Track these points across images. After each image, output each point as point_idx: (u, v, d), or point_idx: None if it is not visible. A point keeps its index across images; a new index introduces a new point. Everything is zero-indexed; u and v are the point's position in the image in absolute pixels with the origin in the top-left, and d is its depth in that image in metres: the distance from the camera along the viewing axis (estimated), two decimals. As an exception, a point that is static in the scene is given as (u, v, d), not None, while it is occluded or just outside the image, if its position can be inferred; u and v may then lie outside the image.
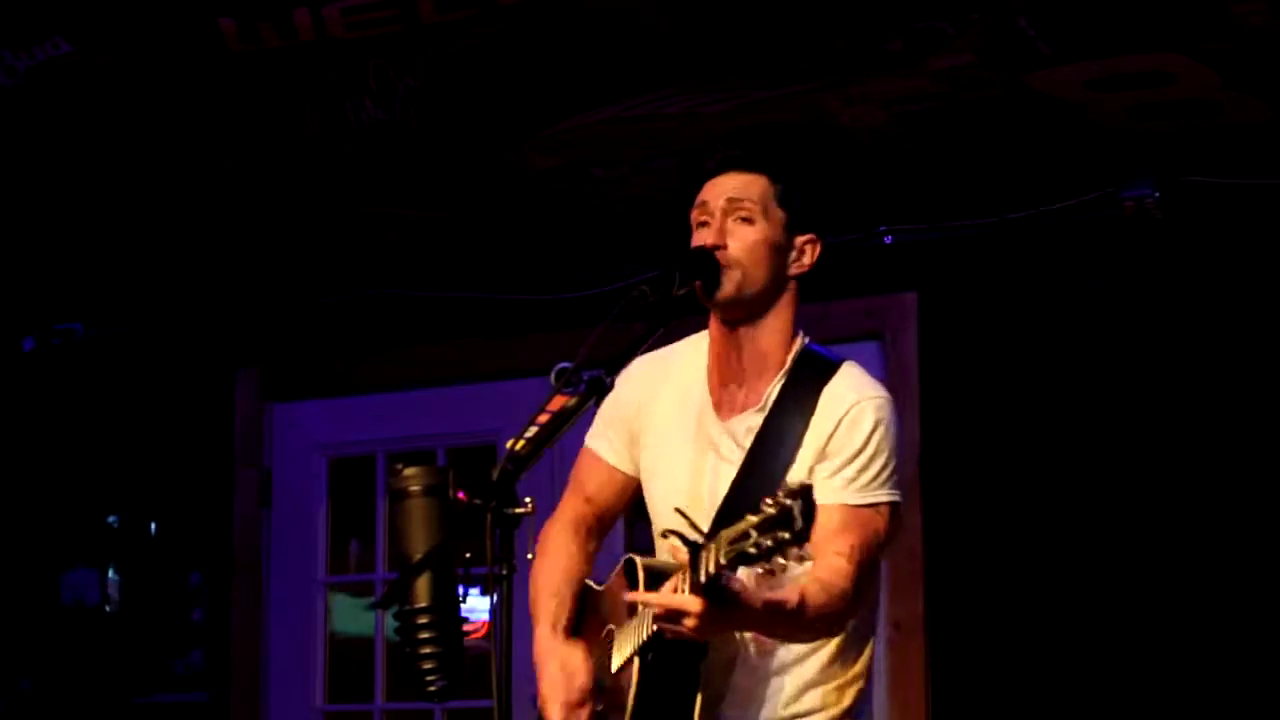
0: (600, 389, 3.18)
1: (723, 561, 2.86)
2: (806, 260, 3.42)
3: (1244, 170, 4.95)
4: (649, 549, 5.14)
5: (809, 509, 2.79)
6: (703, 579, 2.91)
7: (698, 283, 3.32)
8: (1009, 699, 5.08)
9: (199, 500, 6.33)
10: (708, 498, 3.35)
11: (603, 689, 3.40)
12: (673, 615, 2.99)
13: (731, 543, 2.85)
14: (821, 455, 3.28)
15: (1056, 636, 5.04)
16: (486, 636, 3.35)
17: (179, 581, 6.33)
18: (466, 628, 3.39)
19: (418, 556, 3.38)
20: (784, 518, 2.78)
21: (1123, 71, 4.57)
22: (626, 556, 3.40)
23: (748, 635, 3.29)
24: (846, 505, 3.24)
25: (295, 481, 6.25)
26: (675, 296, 3.31)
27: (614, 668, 3.33)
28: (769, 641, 3.30)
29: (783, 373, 3.37)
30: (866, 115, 4.86)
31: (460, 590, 3.35)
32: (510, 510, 3.11)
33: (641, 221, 5.54)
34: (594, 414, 3.43)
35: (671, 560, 3.25)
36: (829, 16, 4.44)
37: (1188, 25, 4.32)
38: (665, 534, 3.11)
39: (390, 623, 3.60)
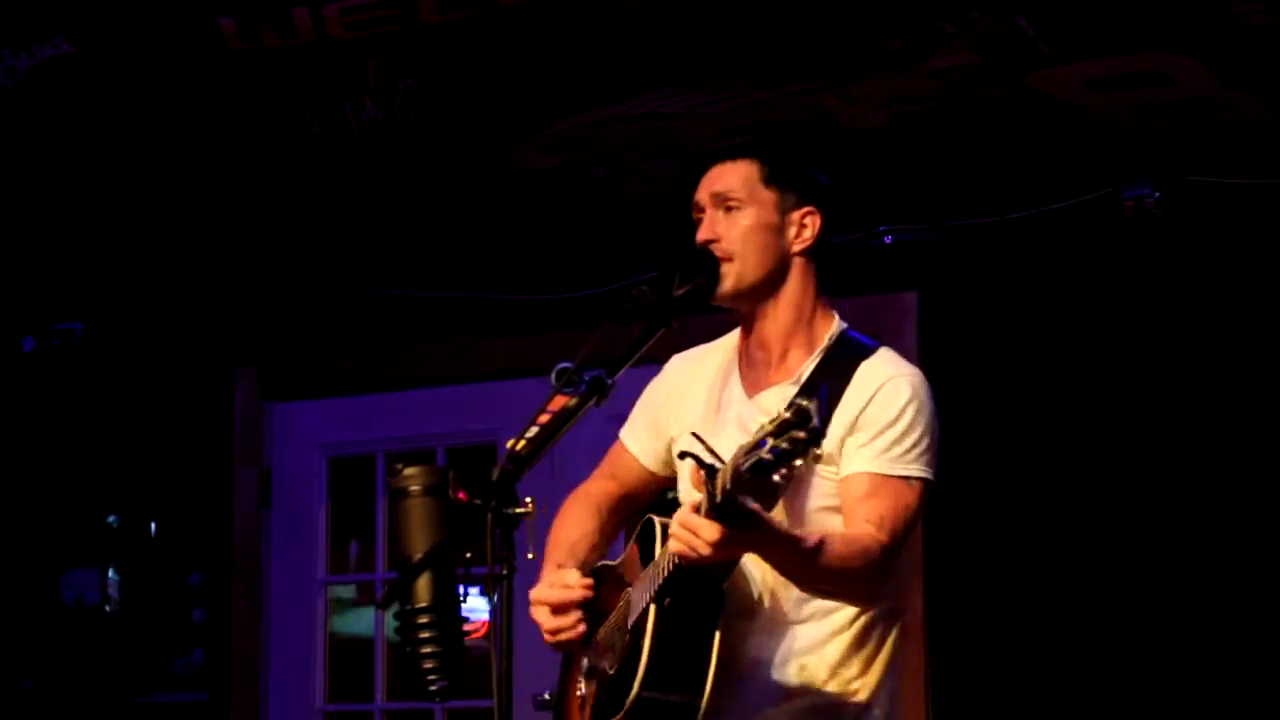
0: (601, 389, 3.18)
1: (743, 467, 2.78)
2: (809, 234, 3.37)
3: (1244, 170, 4.95)
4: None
5: (824, 410, 2.78)
6: (718, 498, 2.86)
7: (701, 281, 3.33)
8: (1009, 695, 5.08)
9: (199, 500, 6.33)
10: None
11: (600, 617, 3.38)
12: (691, 538, 2.94)
13: (748, 452, 2.78)
14: (853, 428, 3.23)
15: (1056, 633, 5.04)
16: (486, 636, 3.34)
17: (179, 581, 6.33)
18: (466, 628, 3.40)
19: (418, 556, 3.38)
20: (800, 416, 2.73)
21: (1123, 71, 4.57)
22: (645, 516, 3.37)
23: (766, 605, 3.24)
24: (877, 474, 3.20)
25: (295, 481, 6.25)
26: (675, 296, 3.32)
27: (630, 620, 3.27)
28: (790, 614, 3.25)
29: (819, 351, 3.35)
30: (866, 115, 4.86)
31: (460, 590, 3.35)
32: (510, 510, 3.11)
33: (641, 221, 5.54)
34: (592, 414, 3.43)
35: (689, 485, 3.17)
36: (829, 16, 4.44)
37: (1188, 25, 4.32)
38: (682, 455, 3.07)
39: (390, 623, 3.59)
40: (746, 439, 2.91)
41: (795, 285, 3.37)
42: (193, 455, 6.36)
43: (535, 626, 4.55)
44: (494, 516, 3.10)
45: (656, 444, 3.56)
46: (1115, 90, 4.67)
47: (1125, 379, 5.10)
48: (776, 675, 3.26)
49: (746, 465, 2.77)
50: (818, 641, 3.27)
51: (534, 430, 3.16)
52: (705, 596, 3.14)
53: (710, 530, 2.91)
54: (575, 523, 3.58)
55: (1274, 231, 4.96)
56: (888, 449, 3.22)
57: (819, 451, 2.75)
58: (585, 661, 3.46)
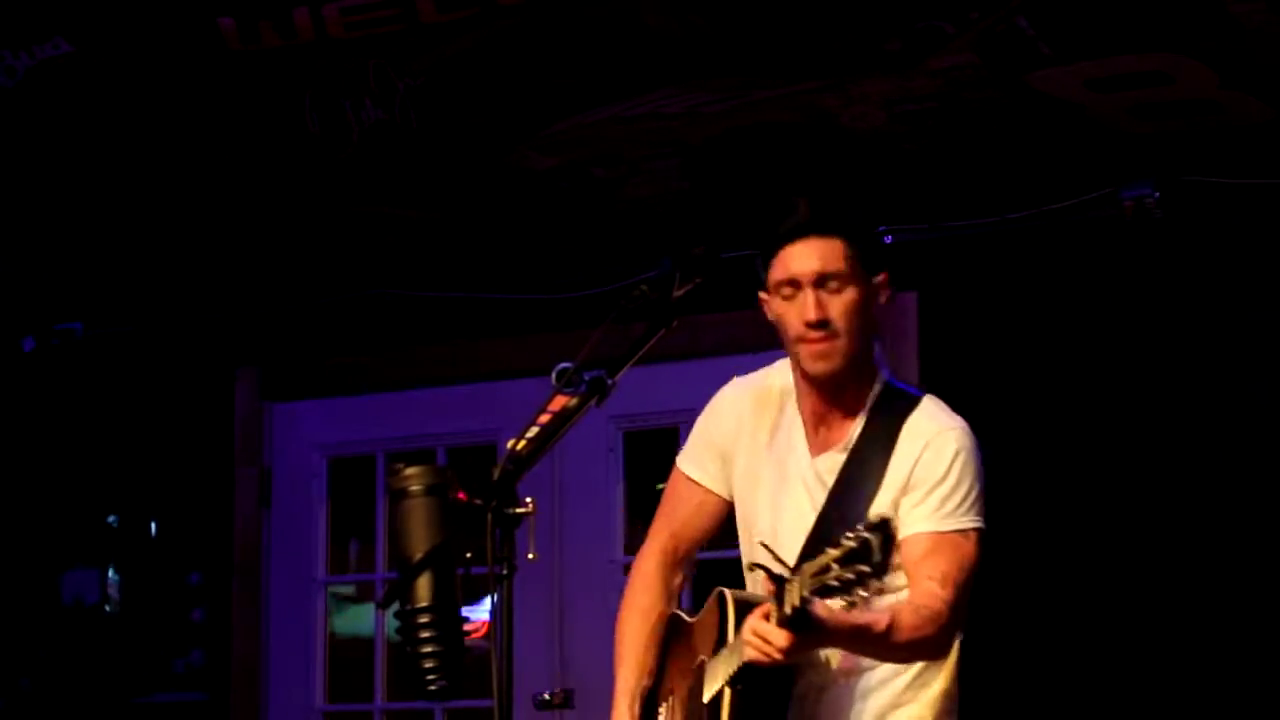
0: (601, 389, 3.18)
1: (805, 595, 2.93)
2: (884, 298, 3.44)
3: (1244, 170, 4.95)
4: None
5: (887, 543, 2.87)
6: (788, 611, 2.98)
7: (701, 280, 3.33)
8: (1008, 692, 5.08)
9: (199, 500, 6.33)
10: (791, 533, 3.37)
11: (671, 669, 3.53)
12: (763, 645, 3.05)
13: (814, 575, 2.92)
14: (905, 488, 3.32)
15: (1055, 631, 5.04)
16: (486, 636, 3.35)
17: (179, 581, 6.33)
18: (466, 627, 3.40)
19: (418, 556, 3.37)
20: (863, 551, 2.86)
21: (1123, 71, 4.57)
22: (717, 590, 3.42)
23: (834, 664, 3.34)
24: (935, 532, 3.28)
25: (295, 481, 6.25)
26: (675, 296, 3.32)
27: (706, 698, 3.35)
28: (854, 669, 3.34)
29: (864, 411, 3.41)
30: (866, 115, 4.86)
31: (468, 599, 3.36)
32: (510, 510, 3.12)
33: (641, 221, 5.54)
34: (592, 414, 3.43)
35: (760, 592, 3.30)
36: (829, 16, 4.44)
37: (1188, 25, 4.32)
38: (752, 567, 3.20)
39: (390, 622, 3.59)
40: (810, 500, 3.30)
41: (869, 357, 3.45)
42: (193, 455, 6.35)
43: (535, 626, 4.60)
44: (494, 516, 3.10)
45: (725, 470, 3.60)
46: (1115, 90, 4.67)
47: (1125, 378, 5.10)
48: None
49: (814, 588, 2.93)
50: (880, 682, 3.36)
51: (534, 430, 3.17)
52: (777, 677, 3.24)
53: (781, 638, 3.02)
54: (637, 613, 3.68)
55: (1274, 231, 4.96)
56: (941, 506, 3.31)
57: (880, 585, 2.90)
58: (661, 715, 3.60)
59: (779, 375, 3.55)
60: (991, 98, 4.71)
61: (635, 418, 5.73)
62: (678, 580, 3.69)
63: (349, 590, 6.78)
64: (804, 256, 3.33)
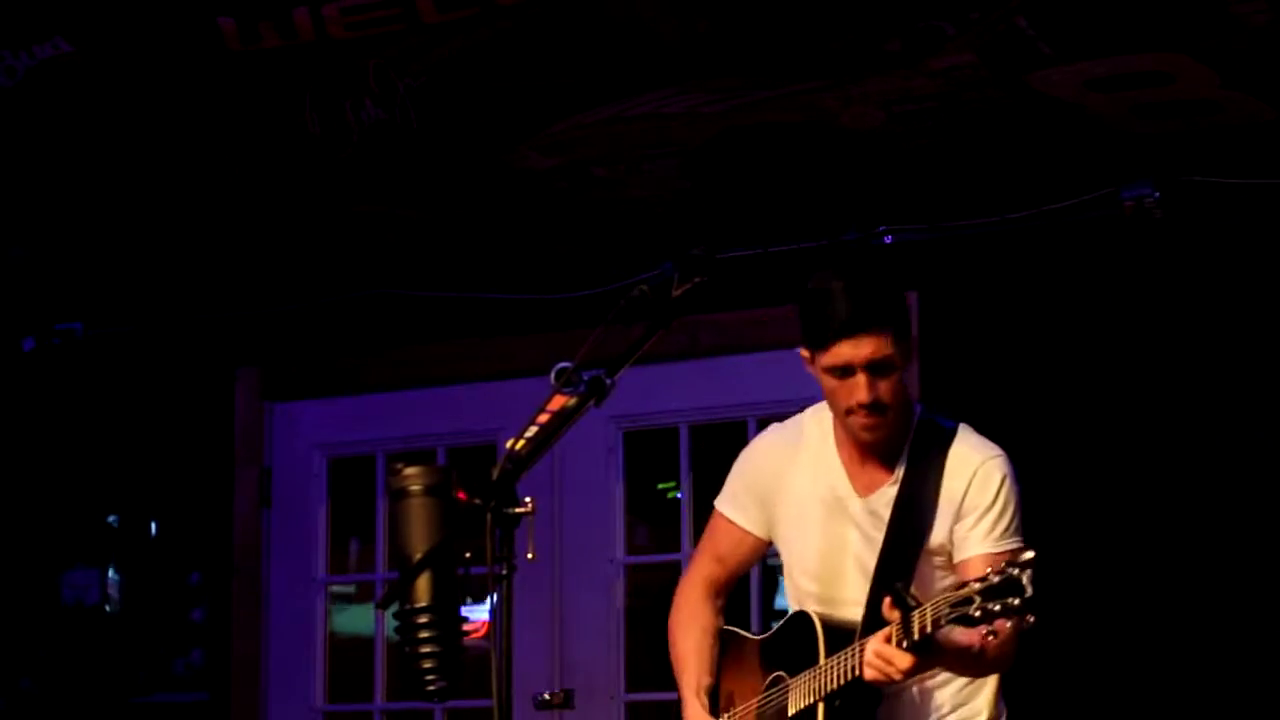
0: (600, 389, 3.19)
1: (942, 623, 3.27)
2: (910, 360, 3.74)
3: (1244, 170, 4.95)
4: (642, 549, 5.16)
5: (1019, 600, 3.20)
6: (916, 637, 3.32)
7: (700, 280, 3.36)
8: (1009, 690, 5.08)
9: (199, 500, 6.33)
10: (854, 568, 3.67)
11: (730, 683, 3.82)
12: (885, 666, 3.37)
13: (953, 605, 3.26)
14: (958, 515, 3.63)
15: (1056, 630, 5.04)
16: (486, 636, 3.35)
17: (179, 581, 6.33)
18: (466, 627, 3.40)
19: (418, 556, 3.38)
20: (1011, 585, 3.22)
21: (1123, 71, 4.57)
22: (798, 611, 3.74)
23: (908, 696, 3.67)
24: (990, 554, 3.55)
25: (295, 481, 6.25)
26: (675, 296, 3.32)
27: (792, 710, 3.63)
28: (927, 683, 3.67)
29: (908, 447, 3.70)
30: (866, 115, 4.86)
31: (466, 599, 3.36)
32: (510, 510, 3.12)
33: (641, 221, 5.54)
34: (592, 414, 3.43)
35: (833, 615, 3.64)
36: (829, 16, 4.44)
37: (1188, 25, 4.33)
38: (882, 594, 3.44)
39: (390, 622, 3.60)
40: (856, 533, 3.61)
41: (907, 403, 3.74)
42: (193, 455, 6.35)
43: (535, 626, 4.60)
44: (494, 516, 3.10)
45: (763, 514, 3.87)
46: (1115, 90, 4.67)
47: (1125, 378, 5.10)
48: None
49: (951, 617, 3.27)
50: (939, 684, 3.69)
51: (534, 430, 3.17)
52: (868, 693, 3.54)
53: (904, 660, 3.36)
54: (694, 620, 3.93)
55: (1274, 231, 4.96)
56: (992, 529, 3.62)
57: (1030, 617, 3.21)
58: None
59: (813, 422, 3.84)
60: (991, 98, 4.71)
61: (635, 418, 5.74)
62: (721, 603, 3.96)
63: (349, 590, 6.79)
64: (857, 348, 3.60)
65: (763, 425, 5.57)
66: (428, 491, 3.43)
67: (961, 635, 3.41)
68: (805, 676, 3.61)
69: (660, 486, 6.50)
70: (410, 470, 3.46)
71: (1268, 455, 4.90)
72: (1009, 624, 3.22)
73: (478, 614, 4.33)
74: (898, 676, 3.38)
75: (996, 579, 3.23)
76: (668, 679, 5.76)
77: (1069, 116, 4.81)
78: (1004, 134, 4.94)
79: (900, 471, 3.68)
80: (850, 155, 5.09)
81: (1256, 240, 4.99)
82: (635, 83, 4.78)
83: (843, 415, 3.66)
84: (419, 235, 5.80)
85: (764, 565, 5.78)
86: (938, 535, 3.62)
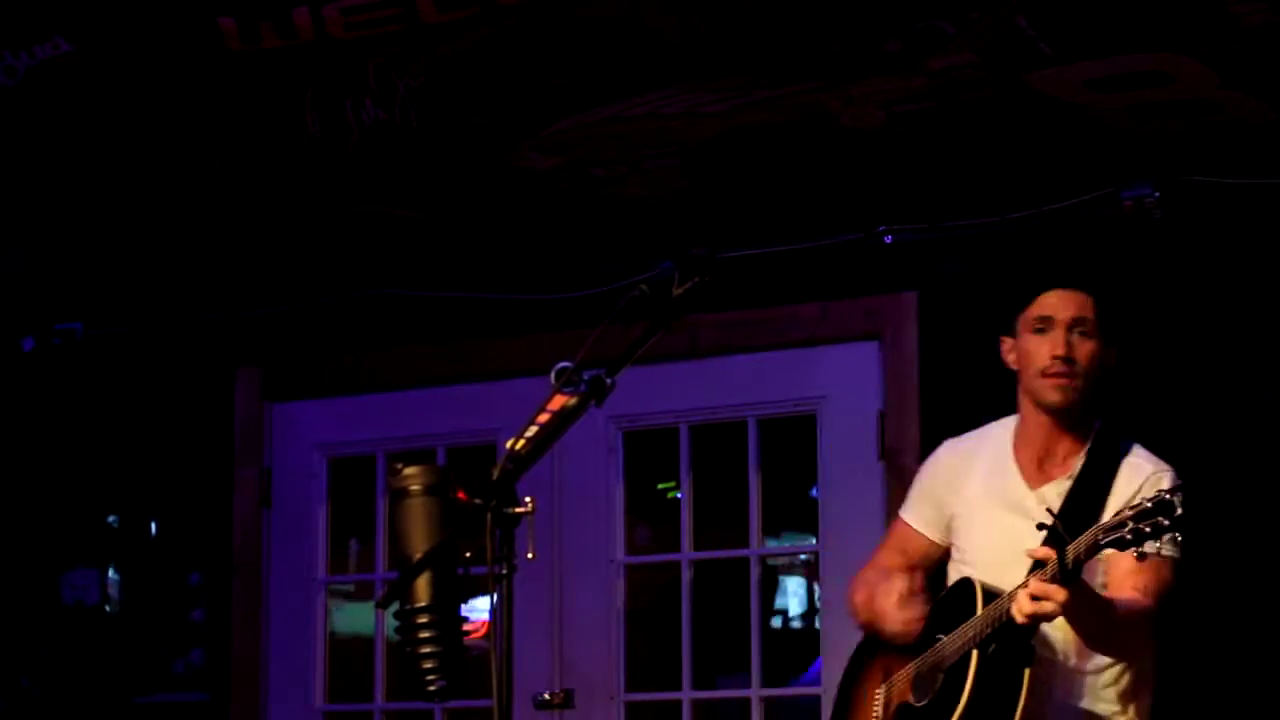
0: (600, 389, 3.19)
1: (1100, 544, 3.44)
2: (1109, 364, 3.99)
3: (1244, 170, 4.95)
4: (642, 549, 5.14)
5: (1171, 516, 3.38)
6: (1070, 565, 3.49)
7: (700, 279, 3.37)
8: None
9: (199, 500, 6.33)
10: (1010, 555, 3.79)
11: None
12: (1042, 602, 3.53)
13: (1107, 531, 3.44)
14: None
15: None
16: (486, 636, 3.35)
17: (179, 581, 6.33)
18: (466, 627, 3.40)
19: (418, 556, 3.38)
20: (1163, 505, 3.38)
21: (1123, 71, 4.57)
22: (962, 579, 3.94)
23: (1070, 663, 3.86)
24: (1142, 552, 3.60)
25: (295, 481, 6.25)
26: (675, 296, 3.32)
27: (947, 664, 3.81)
28: (1080, 667, 3.86)
29: (1085, 450, 3.94)
30: (866, 115, 4.86)
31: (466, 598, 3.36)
32: (510, 510, 3.12)
33: (641, 221, 5.54)
34: (592, 414, 3.43)
35: (996, 585, 3.80)
36: (829, 17, 4.44)
37: (1188, 25, 4.33)
38: (1040, 526, 3.55)
39: (390, 622, 3.60)
40: (1027, 523, 3.68)
41: (1091, 404, 3.96)
42: (193, 455, 6.35)
43: (535, 626, 4.59)
44: (494, 516, 3.11)
45: (940, 519, 4.14)
46: (1115, 90, 4.67)
47: (1125, 378, 5.09)
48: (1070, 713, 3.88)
49: (1106, 540, 3.44)
50: (1100, 686, 3.89)
51: (533, 430, 3.17)
52: (1019, 648, 3.70)
53: (1060, 593, 3.52)
54: (886, 587, 4.10)
55: (1274, 231, 4.96)
56: None
57: (1167, 522, 3.39)
58: (880, 696, 4.09)
59: (997, 428, 4.11)
60: (991, 98, 4.71)
61: (635, 418, 5.74)
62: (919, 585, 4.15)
63: (349, 590, 6.79)
64: (1064, 301, 3.90)
65: (763, 425, 5.65)
66: (428, 491, 3.43)
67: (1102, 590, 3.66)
68: (961, 629, 3.79)
69: (660, 486, 6.50)
70: (410, 470, 3.46)
71: (1268, 455, 4.90)
72: (1157, 544, 3.37)
73: (478, 614, 4.34)
74: (1055, 610, 3.53)
75: (1149, 504, 3.39)
76: (668, 679, 5.79)
77: (1069, 116, 4.81)
78: (1004, 134, 4.94)
79: (1077, 467, 3.91)
80: (850, 155, 5.09)
81: (1256, 240, 4.99)
82: (635, 83, 4.78)
83: (1036, 378, 3.90)
84: (419, 235, 5.80)
85: (763, 565, 5.79)
86: (1108, 510, 3.76)
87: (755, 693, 5.58)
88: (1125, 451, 3.94)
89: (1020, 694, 3.68)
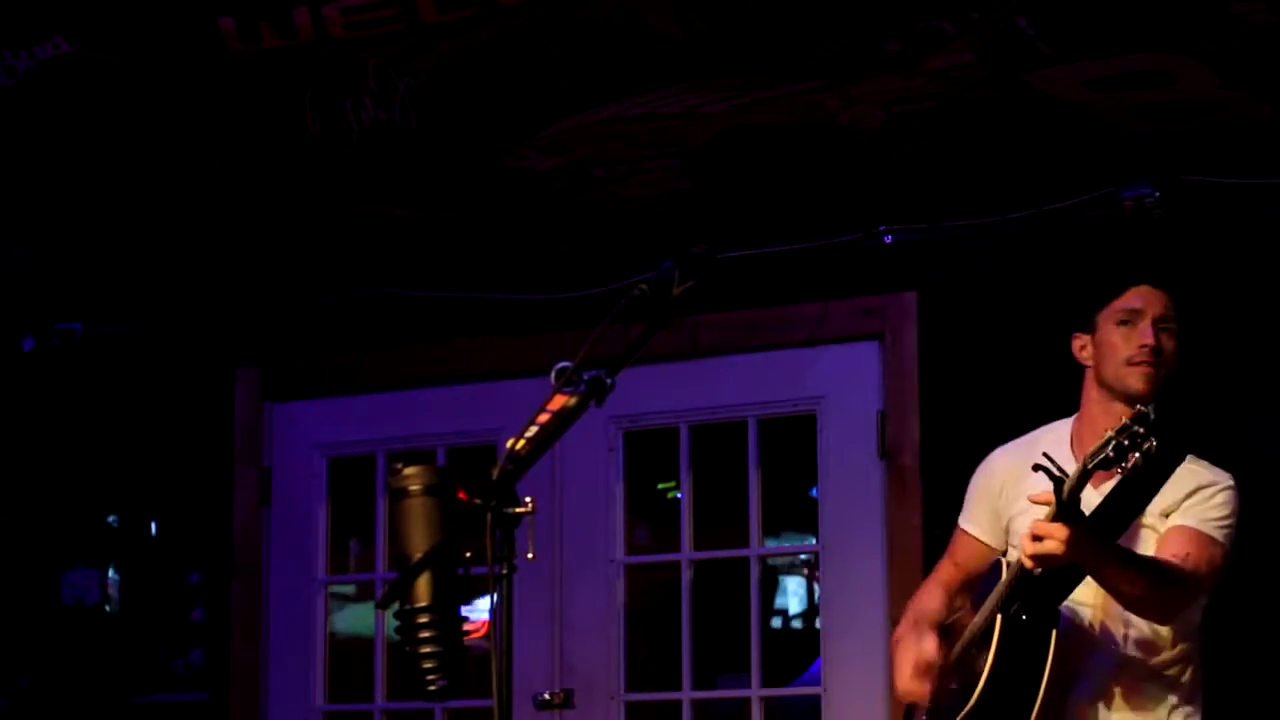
0: (600, 389, 3.18)
1: (1089, 465, 3.47)
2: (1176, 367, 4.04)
3: (1244, 170, 4.95)
4: (642, 549, 5.10)
5: (1147, 425, 3.42)
6: (1065, 498, 3.51)
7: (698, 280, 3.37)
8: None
9: (199, 500, 6.33)
10: None
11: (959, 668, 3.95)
12: (1041, 544, 3.55)
13: (1092, 455, 3.47)
14: (1177, 506, 3.87)
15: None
16: (486, 636, 3.35)
17: (179, 581, 6.33)
18: (466, 627, 3.39)
19: (418, 556, 3.37)
20: (1140, 418, 3.43)
21: (1123, 71, 4.57)
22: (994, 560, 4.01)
23: (1098, 632, 3.85)
24: (1189, 526, 3.84)
25: (295, 481, 6.25)
26: (674, 296, 3.32)
27: (978, 624, 3.84)
28: (1117, 639, 3.85)
29: None
30: (866, 115, 4.86)
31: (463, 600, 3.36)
32: (510, 510, 3.11)
33: (641, 221, 5.54)
34: (592, 414, 3.42)
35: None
36: (829, 17, 4.44)
37: (1188, 25, 4.33)
38: (1035, 467, 3.58)
39: (390, 622, 3.60)
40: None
41: None
42: (193, 455, 6.35)
43: (535, 626, 4.58)
44: (494, 516, 3.10)
45: (996, 524, 4.15)
46: (1115, 90, 4.67)
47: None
48: (1102, 690, 3.87)
49: (1092, 464, 3.47)
50: (1148, 673, 3.88)
51: (533, 430, 3.17)
52: (1045, 610, 3.71)
53: (1061, 530, 3.54)
54: (929, 598, 4.20)
55: (1274, 231, 4.96)
56: (1202, 512, 3.87)
57: (1152, 447, 3.42)
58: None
59: (1048, 434, 4.12)
60: (991, 98, 4.72)
61: (635, 418, 5.74)
62: (957, 601, 4.18)
63: (349, 590, 6.79)
64: (1152, 296, 4.01)
65: (763, 425, 5.65)
66: (428, 491, 3.42)
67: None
68: (988, 600, 3.83)
69: (660, 486, 6.51)
70: (410, 470, 3.46)
71: (1267, 455, 4.90)
72: (1138, 455, 3.41)
73: (478, 614, 4.34)
74: (1057, 549, 3.53)
75: (1129, 420, 3.45)
76: (668, 679, 5.79)
77: (1069, 116, 4.81)
78: (1004, 134, 4.94)
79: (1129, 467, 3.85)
80: (850, 155, 5.10)
81: (1256, 240, 4.99)
82: (635, 83, 4.78)
83: (1122, 366, 3.96)
84: (418, 235, 5.80)
85: (763, 565, 5.79)
86: (1152, 511, 3.83)
87: (755, 693, 5.58)
88: (1181, 459, 3.92)
89: (1047, 657, 3.68)
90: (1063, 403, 5.15)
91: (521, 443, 3.15)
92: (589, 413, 3.22)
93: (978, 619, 3.89)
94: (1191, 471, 3.91)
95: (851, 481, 5.44)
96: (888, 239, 5.41)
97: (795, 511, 6.44)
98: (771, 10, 4.44)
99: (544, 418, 3.18)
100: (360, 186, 5.45)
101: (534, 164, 5.23)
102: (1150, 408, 3.46)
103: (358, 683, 6.21)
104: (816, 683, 5.56)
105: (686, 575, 5.72)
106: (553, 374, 3.22)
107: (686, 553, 5.72)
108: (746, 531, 5.64)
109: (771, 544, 6.20)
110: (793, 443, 5.65)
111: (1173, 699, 3.90)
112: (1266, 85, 4.61)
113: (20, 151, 5.35)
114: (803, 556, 7.86)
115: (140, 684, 6.34)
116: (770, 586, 7.10)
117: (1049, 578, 3.70)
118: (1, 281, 6.33)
